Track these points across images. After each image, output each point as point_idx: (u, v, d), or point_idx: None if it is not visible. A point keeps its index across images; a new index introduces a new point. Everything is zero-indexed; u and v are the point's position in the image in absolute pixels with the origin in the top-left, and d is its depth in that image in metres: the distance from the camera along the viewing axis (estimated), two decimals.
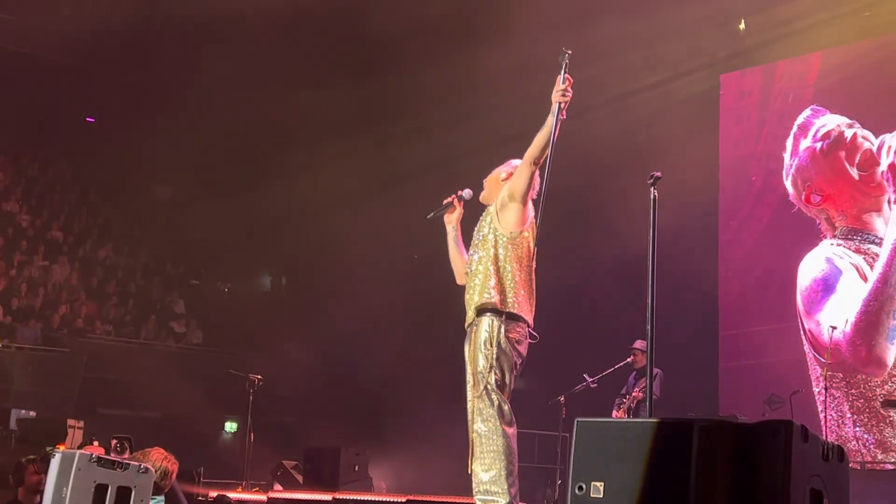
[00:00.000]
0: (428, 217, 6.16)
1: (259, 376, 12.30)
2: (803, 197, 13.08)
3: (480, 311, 5.71)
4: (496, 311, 5.67)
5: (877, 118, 12.77)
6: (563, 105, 5.60)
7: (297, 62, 16.24)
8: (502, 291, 5.69)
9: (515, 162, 6.01)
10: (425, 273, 14.62)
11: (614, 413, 11.45)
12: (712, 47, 14.03)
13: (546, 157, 5.66)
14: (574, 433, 3.60)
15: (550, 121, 5.60)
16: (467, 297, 5.88)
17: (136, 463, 5.10)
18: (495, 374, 5.60)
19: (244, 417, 12.55)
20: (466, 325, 5.87)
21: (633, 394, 11.20)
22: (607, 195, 12.99)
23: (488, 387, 5.58)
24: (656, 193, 5.53)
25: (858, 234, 12.65)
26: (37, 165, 20.81)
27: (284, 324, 17.46)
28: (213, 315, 18.84)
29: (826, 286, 12.75)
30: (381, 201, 15.64)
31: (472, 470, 5.59)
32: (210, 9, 14.53)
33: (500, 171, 6.12)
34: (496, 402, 5.57)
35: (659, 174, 5.54)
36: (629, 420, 3.82)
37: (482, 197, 6.14)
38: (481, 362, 5.64)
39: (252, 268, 20.02)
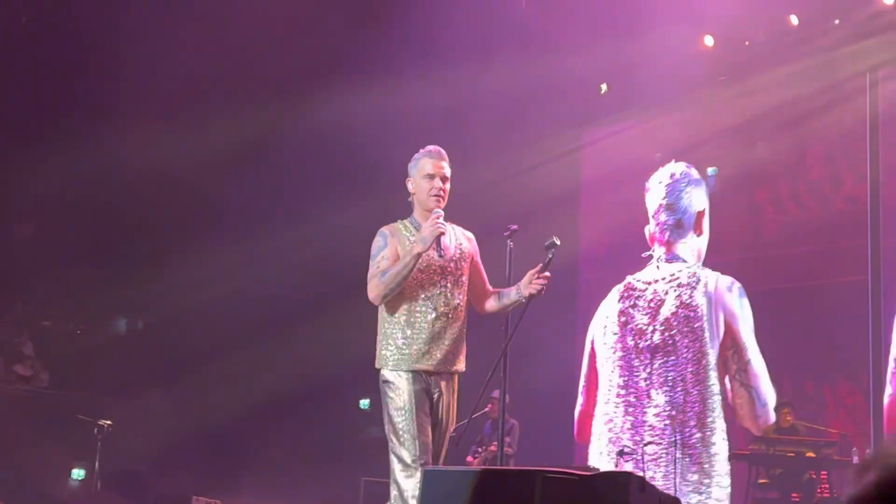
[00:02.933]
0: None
1: (108, 422, 11.96)
2: None
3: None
4: None
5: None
6: (534, 298, 5.48)
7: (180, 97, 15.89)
8: None
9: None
10: (295, 318, 14.50)
11: (468, 460, 11.50)
12: (574, 108, 14.23)
13: None
14: (420, 482, 3.61)
15: (510, 301, 5.69)
16: (448, 348, 5.81)
17: None
18: None
19: (92, 464, 12.17)
20: (448, 369, 5.84)
21: (491, 448, 11.26)
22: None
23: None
24: (512, 245, 5.66)
25: None
26: None
27: (138, 368, 16.99)
28: (64, 358, 18.21)
29: None
30: (247, 243, 15.41)
31: None
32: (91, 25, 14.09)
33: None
34: None
35: (515, 227, 5.67)
36: (474, 469, 3.86)
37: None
38: (452, 415, 5.80)
39: (107, 310, 19.43)
